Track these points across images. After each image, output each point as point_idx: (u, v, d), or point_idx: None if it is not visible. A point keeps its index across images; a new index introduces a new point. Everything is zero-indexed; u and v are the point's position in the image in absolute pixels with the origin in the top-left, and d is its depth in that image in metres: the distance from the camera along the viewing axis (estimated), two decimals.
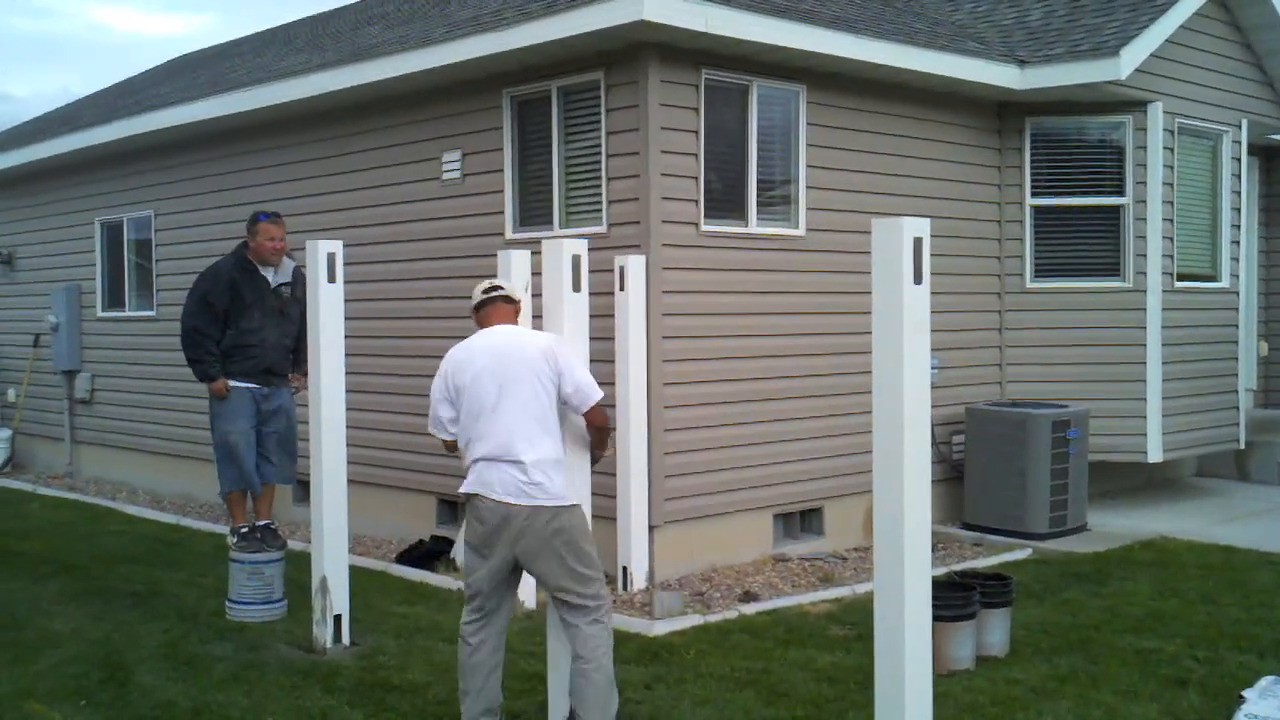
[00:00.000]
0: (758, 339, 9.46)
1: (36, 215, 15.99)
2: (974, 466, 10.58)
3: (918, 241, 4.53)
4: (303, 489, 10.50)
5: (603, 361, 7.82)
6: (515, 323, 5.76)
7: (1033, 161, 11.33)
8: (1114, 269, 11.22)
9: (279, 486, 8.68)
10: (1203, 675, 6.57)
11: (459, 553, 9.30)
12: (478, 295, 5.74)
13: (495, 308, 5.73)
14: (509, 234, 9.72)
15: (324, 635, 7.19)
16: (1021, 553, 9.75)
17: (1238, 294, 12.31)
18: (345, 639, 7.26)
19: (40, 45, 62.47)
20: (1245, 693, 5.85)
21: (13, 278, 16.48)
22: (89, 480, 14.75)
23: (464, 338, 10.16)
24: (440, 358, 10.49)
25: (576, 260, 5.90)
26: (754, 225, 9.42)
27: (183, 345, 8.34)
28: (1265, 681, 5.99)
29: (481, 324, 5.73)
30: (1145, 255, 11.08)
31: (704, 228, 9.08)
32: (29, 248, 16.19)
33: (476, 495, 5.49)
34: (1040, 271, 11.38)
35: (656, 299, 8.73)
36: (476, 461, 5.49)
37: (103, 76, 61.38)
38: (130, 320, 14.25)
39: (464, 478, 5.54)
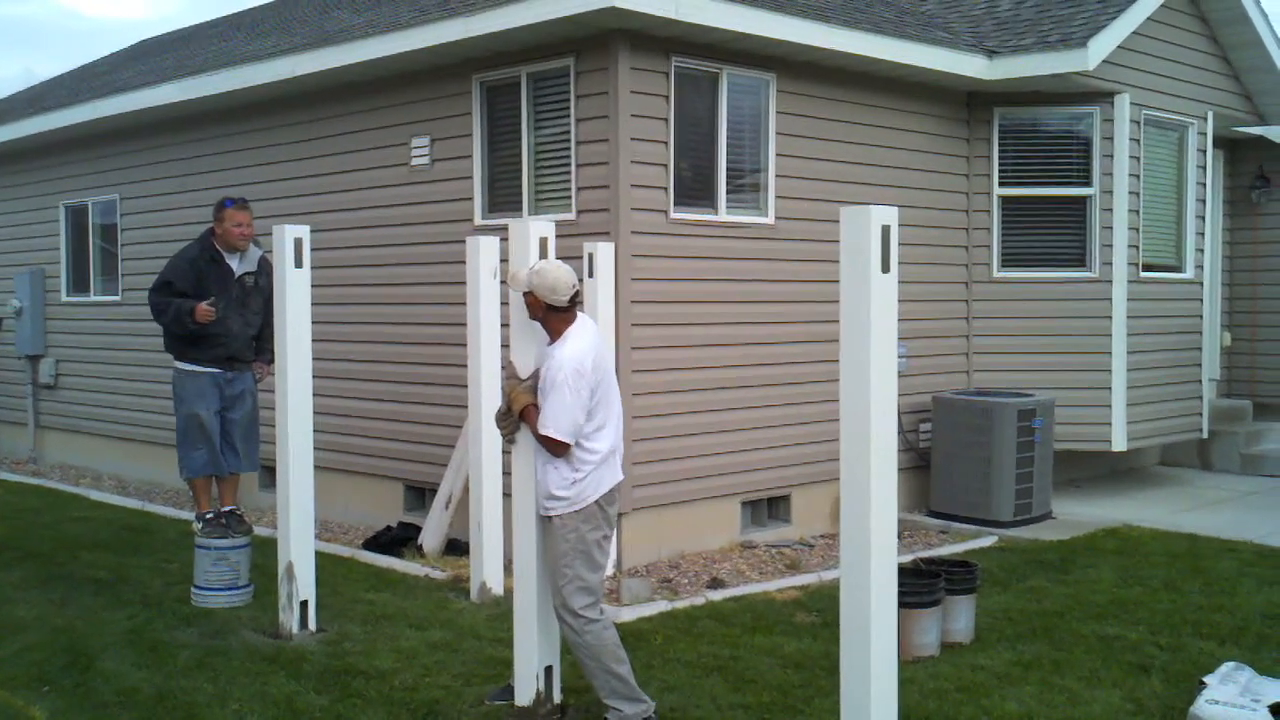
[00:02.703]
0: (726, 327, 9.47)
1: (0, 199, 15.82)
2: (940, 455, 10.64)
3: (885, 230, 4.54)
4: (269, 475, 10.45)
5: None
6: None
7: (1001, 152, 11.39)
8: (1080, 259, 11.30)
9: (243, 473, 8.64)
10: (1165, 661, 6.64)
11: (426, 539, 9.28)
12: (568, 294, 5.57)
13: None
14: (478, 220, 9.69)
15: (290, 621, 7.17)
16: (987, 540, 9.82)
17: (1202, 285, 12.41)
18: (311, 625, 7.24)
19: (2, 27, 61.76)
20: (1206, 679, 5.90)
21: None
22: (53, 466, 14.64)
23: (433, 325, 10.17)
24: (408, 344, 10.50)
25: (544, 242, 5.89)
26: (723, 213, 9.43)
27: (155, 317, 8.22)
28: (1226, 668, 6.04)
29: (568, 320, 5.62)
30: (1111, 246, 11.16)
31: (673, 215, 9.08)
32: None
33: (617, 479, 5.71)
34: (1007, 261, 11.44)
35: (625, 286, 8.73)
36: (611, 453, 5.66)
37: (66, 60, 60.82)
38: (95, 305, 14.13)
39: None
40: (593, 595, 5.60)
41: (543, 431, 5.50)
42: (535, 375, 5.67)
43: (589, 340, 5.59)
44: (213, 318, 7.98)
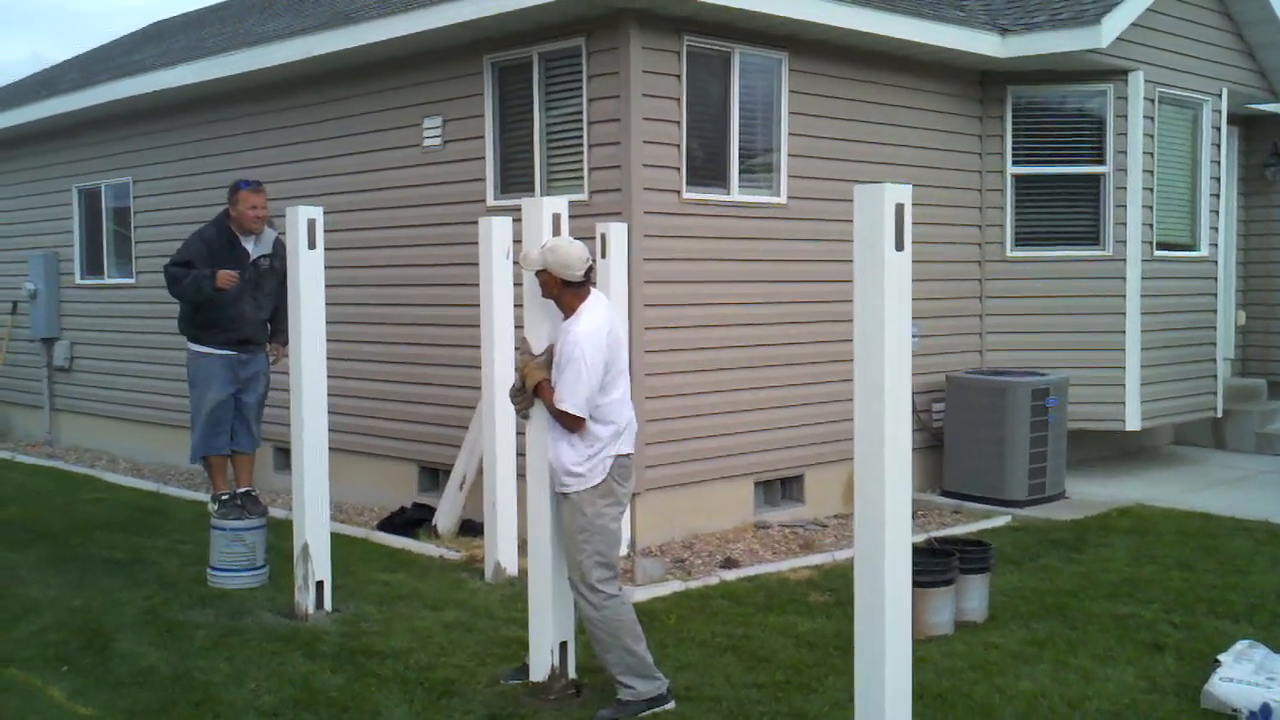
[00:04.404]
0: (739, 307, 9.46)
1: (13, 182, 15.86)
2: (954, 434, 10.63)
3: (899, 208, 4.53)
4: (284, 456, 10.49)
5: None
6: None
7: (1014, 130, 11.34)
8: (1094, 238, 11.26)
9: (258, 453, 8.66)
10: (1179, 640, 6.65)
11: (441, 520, 9.31)
12: (582, 269, 5.60)
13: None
14: (490, 201, 9.69)
15: (306, 602, 7.20)
16: (1000, 520, 9.81)
17: (1216, 263, 12.37)
18: (327, 605, 7.27)
19: (9, 10, 61.68)
20: (1221, 657, 5.90)
21: None
22: (68, 448, 14.70)
23: (446, 306, 10.17)
24: (421, 325, 10.50)
25: (557, 219, 5.89)
26: (736, 193, 9.41)
27: (169, 286, 8.20)
28: (1240, 646, 6.04)
29: (582, 296, 5.64)
30: (1125, 224, 11.12)
31: (686, 195, 9.07)
32: (6, 215, 16.05)
33: (628, 454, 5.73)
34: (1021, 240, 11.41)
35: (638, 266, 8.72)
36: (625, 428, 5.69)
37: (74, 44, 60.69)
38: (109, 288, 14.17)
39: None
40: (611, 570, 5.63)
41: (558, 406, 5.53)
42: (549, 351, 5.69)
43: (602, 315, 5.61)
44: (235, 283, 7.96)
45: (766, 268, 9.62)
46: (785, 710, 5.66)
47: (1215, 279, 12.33)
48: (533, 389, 5.68)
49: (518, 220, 6.19)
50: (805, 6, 9.12)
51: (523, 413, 5.83)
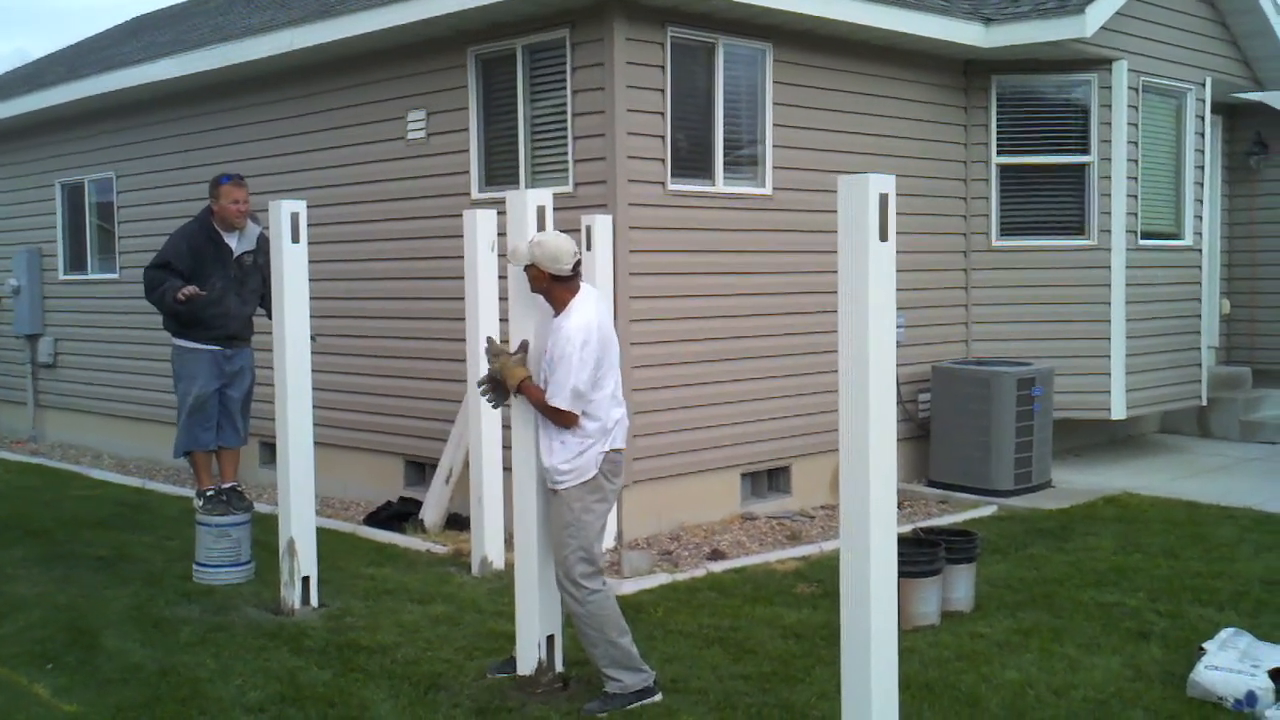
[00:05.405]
0: (725, 298, 9.46)
1: None
2: (940, 424, 10.64)
3: (883, 198, 4.52)
4: (269, 451, 10.45)
5: None
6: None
7: (999, 120, 11.34)
8: (1079, 227, 11.28)
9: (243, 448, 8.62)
10: (1164, 628, 6.66)
11: (427, 514, 9.29)
12: (570, 262, 5.56)
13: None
14: (475, 194, 9.67)
15: (292, 597, 7.18)
16: (987, 509, 9.83)
17: (1201, 252, 12.39)
18: (313, 600, 7.25)
19: None
20: (1205, 645, 5.92)
21: None
22: (53, 445, 14.64)
23: (431, 299, 10.13)
24: (406, 319, 10.47)
25: (541, 211, 5.88)
26: (721, 184, 9.40)
27: (145, 293, 8.19)
28: (1225, 634, 6.06)
29: (572, 290, 5.62)
30: (1110, 213, 11.14)
31: (671, 187, 9.05)
32: None
33: (620, 450, 5.71)
34: (1006, 230, 11.42)
35: (623, 259, 8.71)
36: (616, 424, 5.68)
37: (60, 40, 60.35)
38: (93, 283, 14.11)
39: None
40: (594, 565, 5.63)
41: (551, 403, 5.50)
42: (524, 347, 5.68)
43: (593, 310, 5.60)
44: (194, 297, 7.89)
45: (752, 259, 9.61)
46: (772, 701, 5.67)
47: (1200, 268, 12.36)
48: (516, 387, 5.65)
49: (503, 213, 6.17)
50: None
51: (496, 406, 5.84)
